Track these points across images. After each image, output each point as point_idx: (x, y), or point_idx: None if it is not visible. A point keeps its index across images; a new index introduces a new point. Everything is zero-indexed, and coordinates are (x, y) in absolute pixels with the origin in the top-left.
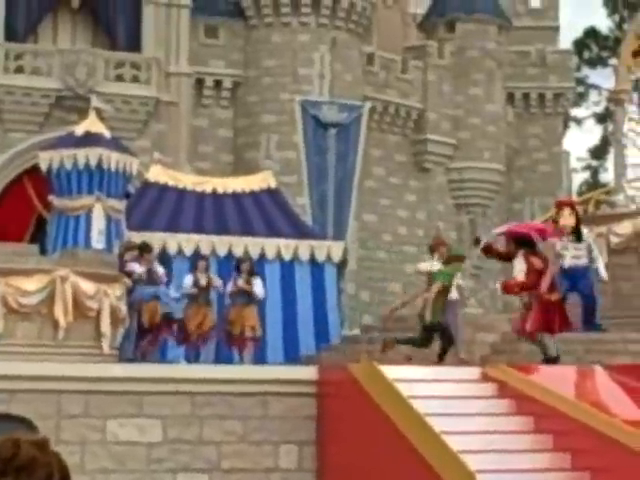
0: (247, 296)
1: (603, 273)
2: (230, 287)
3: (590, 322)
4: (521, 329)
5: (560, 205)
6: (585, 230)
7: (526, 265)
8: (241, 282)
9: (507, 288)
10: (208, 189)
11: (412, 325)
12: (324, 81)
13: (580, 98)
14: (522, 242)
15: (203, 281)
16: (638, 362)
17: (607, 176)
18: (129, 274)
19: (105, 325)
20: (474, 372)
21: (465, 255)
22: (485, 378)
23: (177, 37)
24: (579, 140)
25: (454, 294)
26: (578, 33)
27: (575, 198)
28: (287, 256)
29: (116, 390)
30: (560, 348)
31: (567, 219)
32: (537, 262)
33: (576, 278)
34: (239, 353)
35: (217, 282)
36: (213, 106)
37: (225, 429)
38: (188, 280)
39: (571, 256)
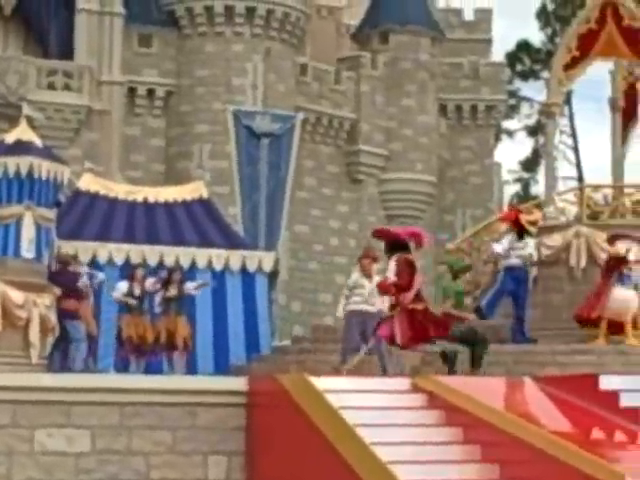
0: (178, 306)
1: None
2: (159, 297)
3: (519, 334)
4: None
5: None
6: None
7: (397, 267)
8: (173, 292)
9: (382, 288)
10: (139, 198)
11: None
12: (257, 91)
13: (512, 110)
14: (396, 245)
15: (137, 290)
16: (567, 373)
17: (538, 188)
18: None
19: (34, 335)
20: (404, 383)
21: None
22: (415, 389)
23: (110, 45)
24: (510, 152)
25: (375, 306)
26: (511, 46)
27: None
28: (218, 266)
29: (45, 400)
30: (488, 359)
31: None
32: (408, 266)
33: (518, 281)
34: (169, 363)
35: (150, 284)
36: (145, 115)
37: (154, 439)
38: (122, 286)
39: (516, 255)
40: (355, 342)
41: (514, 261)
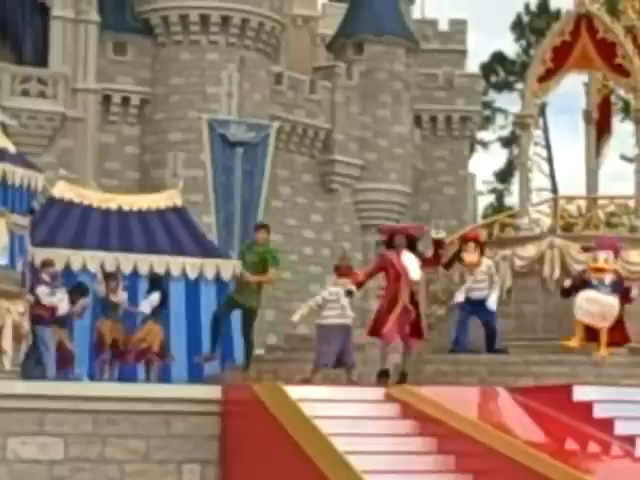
0: (155, 313)
1: (492, 305)
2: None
3: (491, 347)
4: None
5: (465, 239)
6: (486, 261)
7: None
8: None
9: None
10: (114, 206)
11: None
12: (232, 100)
13: (486, 121)
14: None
15: (115, 297)
16: (541, 384)
17: (512, 199)
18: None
19: (7, 342)
20: (378, 392)
21: None
22: (389, 398)
23: (85, 53)
24: (485, 163)
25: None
26: (485, 57)
27: (480, 221)
28: (192, 274)
29: (17, 407)
30: (462, 370)
31: (471, 256)
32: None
33: (477, 306)
34: (146, 371)
35: (122, 297)
36: (120, 123)
37: (128, 448)
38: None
39: (477, 290)
40: (331, 358)
41: (473, 295)
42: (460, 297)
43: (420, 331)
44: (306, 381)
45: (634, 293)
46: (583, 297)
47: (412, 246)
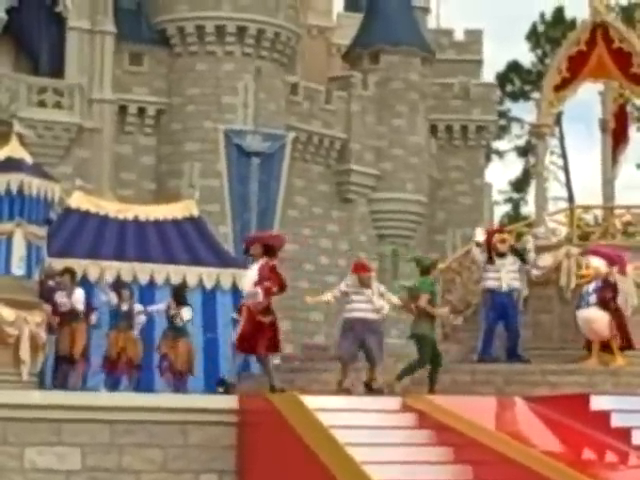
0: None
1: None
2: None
3: (513, 354)
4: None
5: (494, 232)
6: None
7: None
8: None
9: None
10: (130, 216)
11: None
12: (248, 110)
13: (502, 131)
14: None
15: (125, 307)
16: (558, 393)
17: (528, 209)
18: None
19: (24, 352)
20: (395, 402)
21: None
22: (406, 408)
23: (101, 64)
24: (501, 173)
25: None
26: (501, 67)
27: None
28: (209, 284)
29: (35, 417)
30: (479, 379)
31: (502, 246)
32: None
33: (503, 305)
34: (170, 385)
35: (138, 308)
36: (136, 133)
37: (145, 457)
38: (112, 298)
39: (509, 278)
40: (347, 352)
41: (490, 283)
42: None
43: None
44: (344, 390)
45: (620, 300)
46: (578, 317)
47: (271, 254)
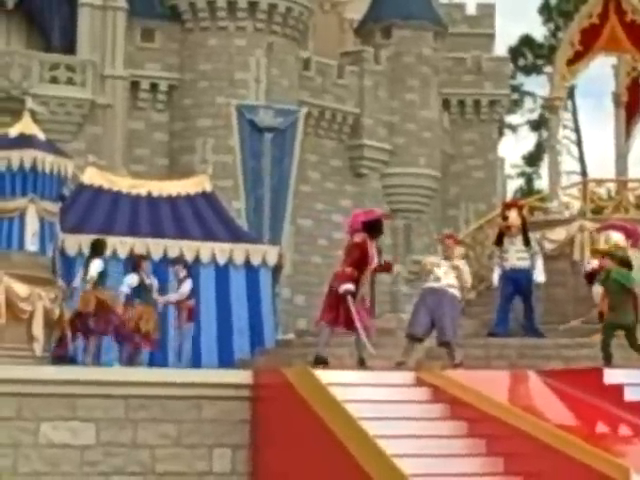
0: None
1: (539, 277)
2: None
3: (530, 327)
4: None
5: (507, 206)
6: (532, 235)
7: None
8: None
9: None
10: (143, 192)
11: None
12: (260, 85)
13: (515, 105)
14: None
15: (148, 280)
16: (571, 367)
17: (541, 183)
18: None
19: (38, 328)
20: (408, 377)
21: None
22: (419, 383)
23: (113, 40)
24: (514, 147)
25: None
26: (513, 40)
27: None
28: (222, 260)
29: (49, 393)
30: (492, 353)
31: (514, 220)
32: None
33: (519, 280)
34: (119, 351)
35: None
36: (149, 109)
37: (159, 432)
38: (133, 279)
39: (516, 257)
40: (415, 329)
41: (510, 263)
42: (496, 279)
43: None
44: (400, 364)
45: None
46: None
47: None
